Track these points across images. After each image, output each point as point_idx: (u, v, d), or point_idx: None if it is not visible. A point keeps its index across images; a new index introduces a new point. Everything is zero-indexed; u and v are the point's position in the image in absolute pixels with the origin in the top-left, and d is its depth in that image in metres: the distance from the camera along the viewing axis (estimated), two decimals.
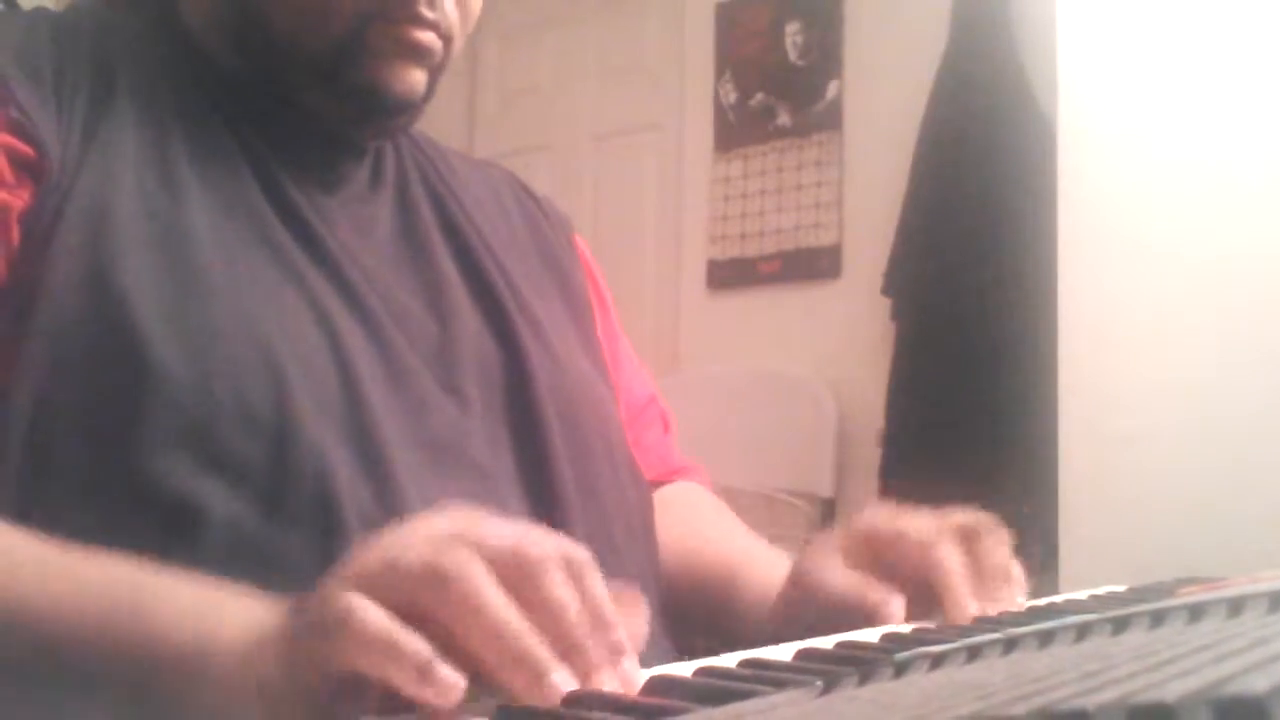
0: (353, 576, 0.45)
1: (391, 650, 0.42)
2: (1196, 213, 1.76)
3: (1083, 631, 0.48)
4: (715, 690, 0.42)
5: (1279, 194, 1.70)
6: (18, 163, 0.64)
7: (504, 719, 0.42)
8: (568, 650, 0.44)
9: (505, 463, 0.72)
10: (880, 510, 0.75)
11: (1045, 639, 0.47)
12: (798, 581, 0.75)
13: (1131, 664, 0.30)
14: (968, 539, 0.71)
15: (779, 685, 0.42)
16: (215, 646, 0.48)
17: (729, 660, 0.49)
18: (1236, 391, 1.69)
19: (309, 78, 0.73)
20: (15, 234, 0.63)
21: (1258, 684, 0.24)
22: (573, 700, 0.42)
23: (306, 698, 0.45)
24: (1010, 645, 0.47)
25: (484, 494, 0.68)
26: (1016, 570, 0.72)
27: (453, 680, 0.42)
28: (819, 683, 0.42)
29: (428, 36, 0.73)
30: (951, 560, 0.68)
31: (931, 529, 0.70)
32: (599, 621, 0.45)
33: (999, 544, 0.72)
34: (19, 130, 0.64)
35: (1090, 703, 0.24)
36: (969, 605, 0.66)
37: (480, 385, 0.74)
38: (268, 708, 0.46)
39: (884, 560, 0.71)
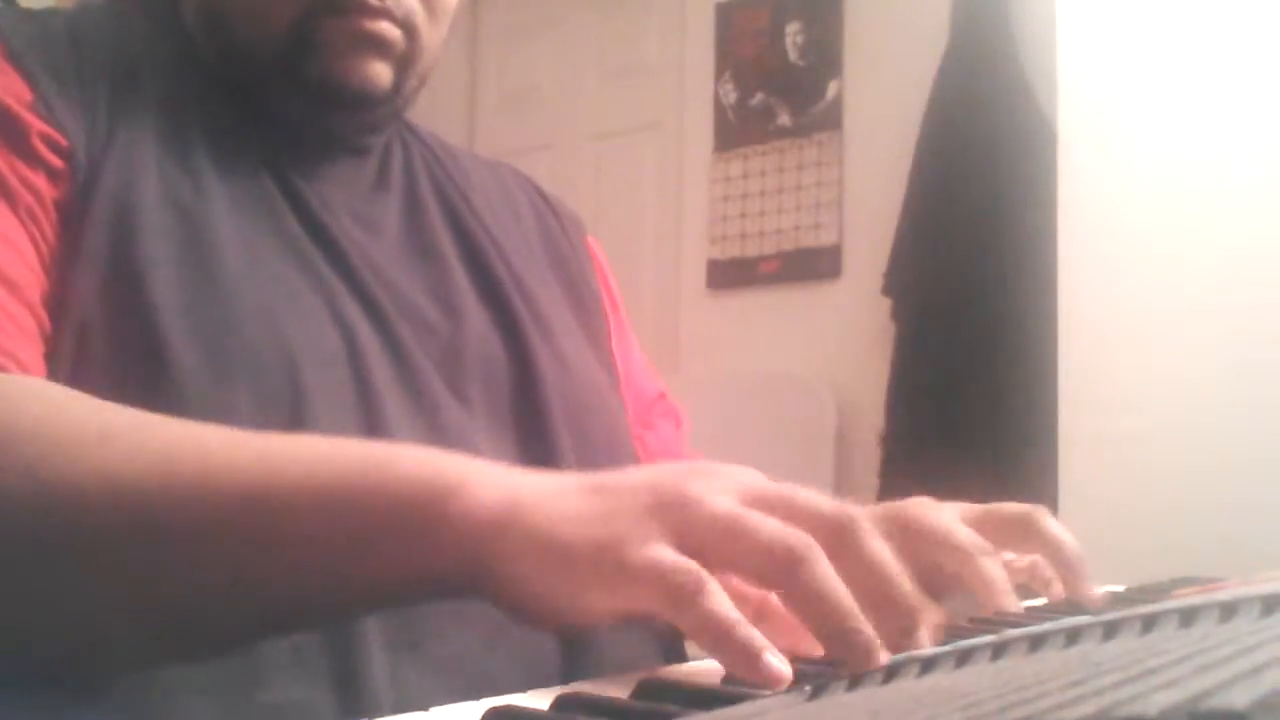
0: (692, 539, 0.46)
1: (727, 637, 0.43)
2: (1196, 213, 1.76)
3: (1073, 636, 0.48)
4: (706, 694, 0.42)
5: (1278, 194, 1.70)
6: (54, 149, 0.64)
7: (495, 719, 0.42)
8: (886, 609, 0.46)
9: (511, 464, 0.72)
10: (919, 503, 0.73)
11: (1035, 643, 0.47)
12: None
13: (1117, 673, 0.30)
14: (1014, 538, 0.70)
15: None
16: (476, 481, 0.49)
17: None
18: (1236, 392, 1.69)
19: (268, 74, 0.73)
20: (55, 219, 0.63)
21: (1240, 698, 0.24)
22: (564, 704, 0.42)
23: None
24: (1000, 650, 0.47)
25: None
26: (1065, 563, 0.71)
27: (784, 672, 0.43)
28: (808, 687, 0.42)
29: (381, 25, 0.72)
30: (994, 574, 0.67)
31: (973, 541, 0.68)
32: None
33: (1050, 544, 0.70)
34: (48, 120, 0.64)
35: (1072, 715, 0.24)
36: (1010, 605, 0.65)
37: (486, 386, 0.74)
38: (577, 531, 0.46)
39: (923, 559, 0.69)
